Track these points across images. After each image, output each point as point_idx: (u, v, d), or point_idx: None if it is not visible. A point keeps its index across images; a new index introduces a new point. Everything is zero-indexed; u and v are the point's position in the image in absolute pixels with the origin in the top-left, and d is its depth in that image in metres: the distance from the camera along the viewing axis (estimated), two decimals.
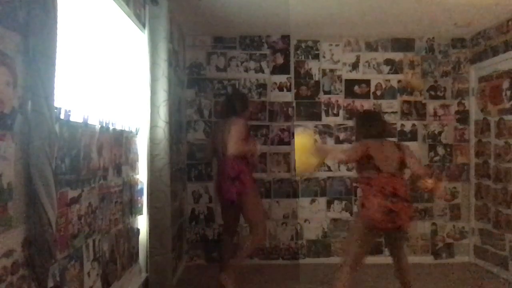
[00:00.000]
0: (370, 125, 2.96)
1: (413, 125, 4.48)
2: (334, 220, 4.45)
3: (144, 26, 2.84)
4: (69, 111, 1.69)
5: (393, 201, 2.62)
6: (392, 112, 4.48)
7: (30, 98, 1.33)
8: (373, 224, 2.68)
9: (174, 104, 3.67)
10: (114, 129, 2.31)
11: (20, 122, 1.32)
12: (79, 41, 1.91)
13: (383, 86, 4.50)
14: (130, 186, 2.65)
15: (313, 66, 4.50)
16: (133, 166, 2.73)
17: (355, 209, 4.43)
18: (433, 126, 4.50)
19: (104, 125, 2.13)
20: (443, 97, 4.52)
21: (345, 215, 4.45)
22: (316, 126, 4.47)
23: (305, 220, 4.44)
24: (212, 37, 4.46)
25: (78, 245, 1.82)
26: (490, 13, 3.71)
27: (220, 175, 3.39)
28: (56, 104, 1.44)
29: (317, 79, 4.49)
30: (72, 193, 1.75)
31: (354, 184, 4.44)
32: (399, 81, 4.51)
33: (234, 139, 3.22)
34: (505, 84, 3.89)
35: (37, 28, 1.34)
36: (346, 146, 4.44)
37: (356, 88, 4.50)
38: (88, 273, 1.94)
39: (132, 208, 2.68)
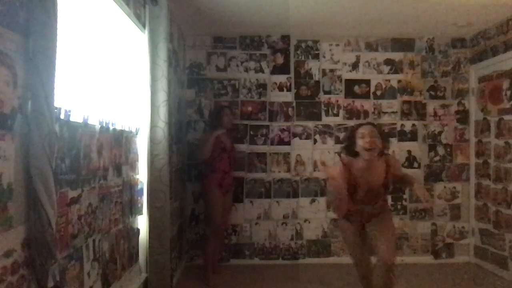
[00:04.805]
0: None
1: (413, 125, 4.48)
2: (334, 220, 4.43)
3: (144, 26, 2.84)
4: (69, 111, 1.69)
5: None
6: (392, 112, 4.48)
7: (30, 98, 1.34)
8: None
9: (174, 104, 3.67)
10: (114, 129, 2.31)
11: (20, 122, 1.32)
12: (79, 41, 1.91)
13: (383, 86, 4.50)
14: (130, 186, 2.65)
15: (313, 66, 4.49)
16: (133, 166, 2.73)
17: None
18: (433, 126, 4.50)
19: (104, 125, 2.13)
20: (443, 97, 4.52)
21: None
22: (316, 126, 4.47)
23: (305, 220, 4.44)
24: (212, 37, 4.46)
25: (78, 245, 1.82)
26: (490, 13, 3.71)
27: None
28: (56, 104, 1.44)
29: (317, 79, 4.49)
30: (72, 193, 1.75)
31: None
32: (399, 81, 4.51)
33: None
34: (505, 84, 3.89)
35: (37, 28, 1.34)
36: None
37: (356, 88, 4.50)
38: (88, 273, 1.94)
39: (132, 208, 2.68)
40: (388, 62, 4.51)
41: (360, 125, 2.82)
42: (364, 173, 2.70)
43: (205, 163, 3.86)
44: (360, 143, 2.68)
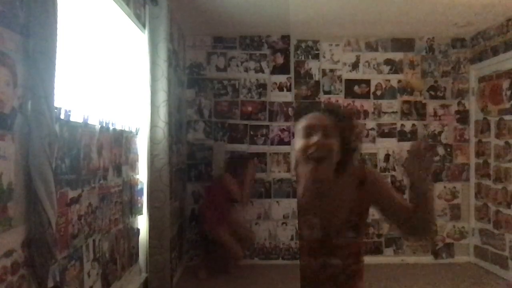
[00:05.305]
0: None
1: (413, 125, 4.48)
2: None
3: (144, 26, 2.84)
4: (69, 111, 1.69)
5: None
6: (392, 112, 4.48)
7: (30, 98, 1.33)
8: None
9: (174, 104, 3.67)
10: (114, 129, 2.31)
11: (20, 122, 1.32)
12: (80, 41, 1.90)
13: (383, 86, 4.50)
14: (130, 186, 2.65)
15: (313, 66, 4.49)
16: (133, 166, 2.73)
17: None
18: (433, 126, 4.50)
19: (104, 125, 2.13)
20: (443, 97, 4.52)
21: None
22: None
23: None
24: (212, 37, 4.45)
25: (78, 245, 1.82)
26: (490, 13, 3.71)
27: None
28: (56, 104, 1.44)
29: (317, 79, 4.49)
30: (72, 193, 1.75)
31: None
32: (399, 81, 4.51)
33: None
34: (505, 84, 3.89)
35: (37, 28, 1.34)
36: None
37: (356, 88, 4.50)
38: (88, 273, 1.93)
39: (132, 208, 2.68)
40: (388, 62, 4.51)
41: (306, 110, 1.59)
42: (315, 199, 1.47)
43: (205, 192, 4.18)
44: (299, 145, 1.48)
